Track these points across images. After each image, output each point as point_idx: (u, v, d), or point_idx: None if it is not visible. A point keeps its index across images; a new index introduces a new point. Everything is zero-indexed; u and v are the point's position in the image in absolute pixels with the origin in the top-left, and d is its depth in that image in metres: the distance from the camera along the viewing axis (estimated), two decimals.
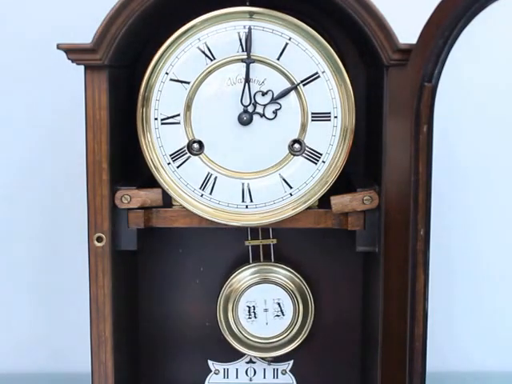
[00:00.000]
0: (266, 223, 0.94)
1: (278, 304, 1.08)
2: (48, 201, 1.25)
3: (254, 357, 1.12)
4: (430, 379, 0.88)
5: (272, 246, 1.09)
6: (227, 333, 1.09)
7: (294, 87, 0.91)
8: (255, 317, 1.08)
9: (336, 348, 1.16)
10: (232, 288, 1.08)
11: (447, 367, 1.25)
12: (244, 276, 1.08)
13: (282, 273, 1.09)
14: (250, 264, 1.09)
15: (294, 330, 1.09)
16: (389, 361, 0.92)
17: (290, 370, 1.15)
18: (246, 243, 1.09)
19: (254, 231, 1.08)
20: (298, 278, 1.09)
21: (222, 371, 1.15)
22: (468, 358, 1.28)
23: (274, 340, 1.09)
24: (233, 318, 1.08)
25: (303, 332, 1.09)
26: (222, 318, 1.08)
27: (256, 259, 1.09)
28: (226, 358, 1.14)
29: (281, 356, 1.11)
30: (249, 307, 1.08)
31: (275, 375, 1.15)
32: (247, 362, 1.14)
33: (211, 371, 1.15)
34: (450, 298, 1.27)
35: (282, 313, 1.08)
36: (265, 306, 1.08)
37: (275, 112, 0.92)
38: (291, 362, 1.15)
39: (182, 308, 1.15)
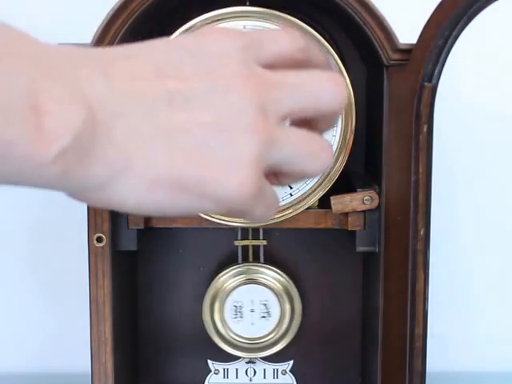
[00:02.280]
0: (265, 223, 0.94)
1: (265, 305, 1.08)
2: (48, 200, 1.25)
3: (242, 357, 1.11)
4: (429, 379, 0.88)
5: (262, 247, 1.09)
6: (213, 332, 1.08)
7: None
8: (241, 317, 1.08)
9: (336, 348, 1.16)
10: (219, 288, 1.08)
11: (447, 367, 1.25)
12: (231, 276, 1.08)
13: (269, 274, 1.09)
14: (238, 264, 1.09)
15: (281, 332, 1.09)
16: (389, 361, 0.92)
17: (289, 370, 1.15)
18: (236, 243, 1.08)
19: (244, 231, 1.08)
20: (285, 279, 1.09)
21: (221, 371, 1.15)
22: (468, 358, 1.28)
23: (260, 341, 1.09)
24: (219, 318, 1.08)
25: (290, 333, 1.09)
26: (209, 318, 1.08)
27: (246, 260, 1.09)
28: (226, 358, 1.14)
29: (271, 356, 1.11)
30: (235, 307, 1.08)
31: (275, 375, 1.15)
32: (247, 362, 1.14)
33: (211, 371, 1.15)
34: (449, 298, 1.27)
35: (269, 314, 1.08)
36: (252, 306, 1.08)
37: None
38: (291, 362, 1.15)
39: (181, 308, 1.15)
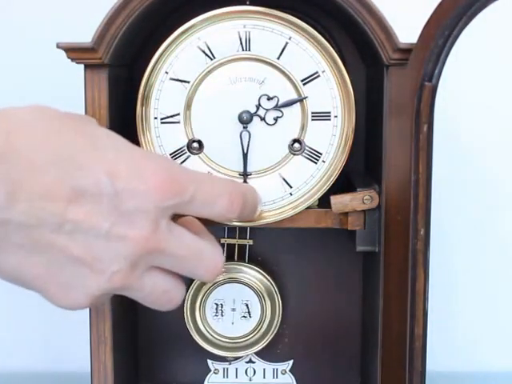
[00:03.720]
0: (265, 223, 0.94)
1: (246, 305, 1.08)
2: None
3: (218, 355, 1.11)
4: (430, 379, 0.88)
5: (247, 247, 1.09)
6: (193, 329, 1.08)
7: (301, 99, 0.91)
8: (222, 315, 1.08)
9: (336, 348, 1.16)
10: (201, 285, 1.08)
11: (447, 367, 1.25)
12: None
13: (251, 273, 1.09)
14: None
15: (260, 332, 1.09)
16: (389, 360, 0.92)
17: (289, 370, 1.15)
18: (222, 241, 1.09)
19: (233, 230, 1.08)
20: (268, 279, 1.09)
21: (221, 371, 1.15)
22: (468, 358, 1.28)
23: (240, 340, 1.09)
24: (200, 315, 1.08)
25: (269, 334, 1.09)
26: (189, 315, 1.08)
27: (231, 258, 1.09)
28: (226, 358, 1.14)
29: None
30: (216, 305, 1.08)
31: (275, 375, 1.15)
32: (247, 362, 1.14)
33: (211, 371, 1.15)
34: (449, 298, 1.27)
35: (249, 314, 1.08)
36: (233, 305, 1.08)
37: (276, 119, 0.92)
38: (291, 361, 1.15)
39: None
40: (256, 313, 1.08)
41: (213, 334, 1.08)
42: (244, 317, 1.08)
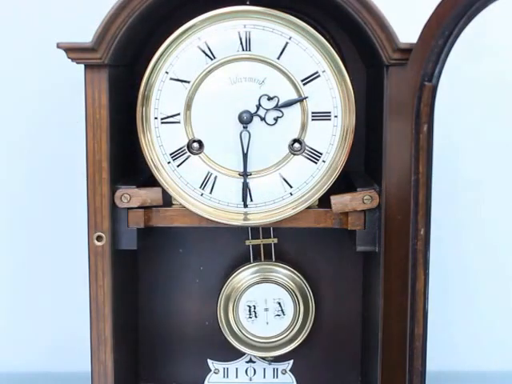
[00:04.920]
0: (266, 223, 0.94)
1: (279, 303, 1.08)
2: (48, 200, 1.25)
3: (255, 356, 1.12)
4: (430, 379, 0.88)
5: (273, 246, 1.09)
6: (228, 332, 1.09)
7: (301, 100, 0.91)
8: (256, 316, 1.08)
9: (336, 348, 1.16)
10: (233, 287, 1.08)
11: (447, 367, 1.25)
12: (244, 275, 1.08)
13: (282, 272, 1.09)
14: (250, 263, 1.09)
15: (295, 330, 1.09)
16: (389, 361, 0.92)
17: (289, 370, 1.15)
18: (247, 243, 1.09)
19: (255, 230, 1.08)
20: (299, 277, 1.09)
21: (221, 370, 1.15)
22: (468, 357, 1.28)
23: (275, 339, 1.09)
24: (233, 318, 1.08)
25: (304, 331, 1.09)
26: (223, 318, 1.08)
27: (257, 259, 1.09)
28: (226, 358, 1.14)
29: (281, 355, 1.11)
30: (249, 306, 1.08)
31: (275, 375, 1.15)
32: (247, 362, 1.14)
33: (211, 370, 1.15)
34: (450, 298, 1.27)
35: (283, 312, 1.08)
36: (265, 305, 1.08)
37: (276, 119, 0.92)
38: (291, 361, 1.15)
39: (181, 307, 1.15)
40: (289, 310, 1.08)
41: (248, 335, 1.08)
42: (278, 315, 1.08)
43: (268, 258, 1.10)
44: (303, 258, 1.13)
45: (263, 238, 1.09)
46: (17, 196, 1.25)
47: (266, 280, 1.08)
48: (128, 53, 0.97)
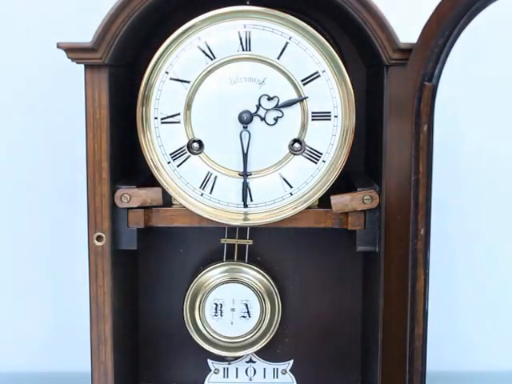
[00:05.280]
0: (266, 223, 0.94)
1: (246, 305, 1.08)
2: (48, 200, 1.25)
3: (217, 355, 1.11)
4: (430, 379, 0.88)
5: (247, 246, 1.09)
6: (192, 329, 1.08)
7: (301, 100, 0.91)
8: (221, 315, 1.08)
9: (336, 348, 1.16)
10: (201, 285, 1.08)
11: (447, 367, 1.25)
12: (214, 274, 1.08)
13: (251, 273, 1.09)
14: (222, 262, 1.09)
15: (259, 332, 1.09)
16: (389, 361, 0.92)
17: (289, 370, 1.15)
18: (222, 241, 1.08)
19: (232, 230, 1.08)
20: (267, 279, 1.09)
21: (221, 370, 1.15)
22: (468, 357, 1.28)
23: (239, 340, 1.09)
24: (199, 315, 1.08)
25: (268, 334, 1.09)
26: (189, 314, 1.08)
27: (231, 258, 1.09)
28: (225, 358, 1.14)
29: (241, 356, 1.11)
30: (216, 305, 1.08)
31: (275, 375, 1.15)
32: (247, 362, 1.14)
33: (211, 370, 1.15)
34: (449, 298, 1.27)
35: (249, 314, 1.08)
36: (232, 305, 1.07)
37: (276, 119, 0.92)
38: (291, 361, 1.15)
39: (181, 308, 1.15)
40: (255, 313, 1.08)
41: (212, 333, 1.08)
42: (243, 317, 1.08)
43: (241, 258, 1.09)
44: (303, 258, 1.13)
45: (239, 238, 1.08)
46: (17, 196, 1.25)
47: (234, 280, 1.07)
48: (128, 53, 0.97)
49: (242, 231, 1.08)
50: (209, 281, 1.08)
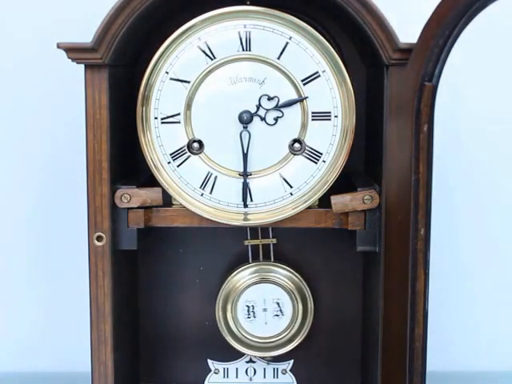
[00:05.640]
0: (266, 223, 0.94)
1: (277, 304, 1.08)
2: (48, 200, 1.25)
3: (254, 356, 1.12)
4: (430, 379, 0.87)
5: (272, 246, 1.09)
6: (226, 332, 1.09)
7: (301, 100, 0.91)
8: (254, 316, 1.08)
9: (336, 348, 1.16)
10: (231, 287, 1.08)
11: (447, 367, 1.25)
12: (243, 275, 1.08)
13: (281, 272, 1.09)
14: (249, 263, 1.09)
15: (294, 330, 1.09)
16: (389, 361, 0.92)
17: (290, 370, 1.15)
18: (246, 243, 1.09)
19: (254, 231, 1.08)
20: (298, 277, 1.09)
21: (221, 370, 1.15)
22: (468, 358, 1.28)
23: (274, 339, 1.09)
24: (232, 318, 1.08)
25: (303, 331, 1.09)
26: (221, 318, 1.08)
27: (255, 259, 1.09)
28: (226, 358, 1.14)
29: (280, 355, 1.11)
30: (248, 306, 1.08)
31: (275, 375, 1.15)
32: (247, 362, 1.14)
33: (211, 370, 1.15)
34: (449, 298, 1.27)
35: (281, 312, 1.08)
36: (264, 305, 1.08)
37: (276, 119, 0.92)
38: (291, 361, 1.15)
39: (181, 308, 1.15)
40: (288, 310, 1.08)
41: (246, 335, 1.08)
42: (276, 315, 1.08)
43: (266, 258, 1.09)
44: (303, 258, 1.13)
45: (262, 238, 1.09)
46: (17, 196, 1.25)
47: (264, 280, 1.08)
48: (128, 53, 0.97)
49: (263, 231, 1.08)
50: (239, 283, 1.08)
